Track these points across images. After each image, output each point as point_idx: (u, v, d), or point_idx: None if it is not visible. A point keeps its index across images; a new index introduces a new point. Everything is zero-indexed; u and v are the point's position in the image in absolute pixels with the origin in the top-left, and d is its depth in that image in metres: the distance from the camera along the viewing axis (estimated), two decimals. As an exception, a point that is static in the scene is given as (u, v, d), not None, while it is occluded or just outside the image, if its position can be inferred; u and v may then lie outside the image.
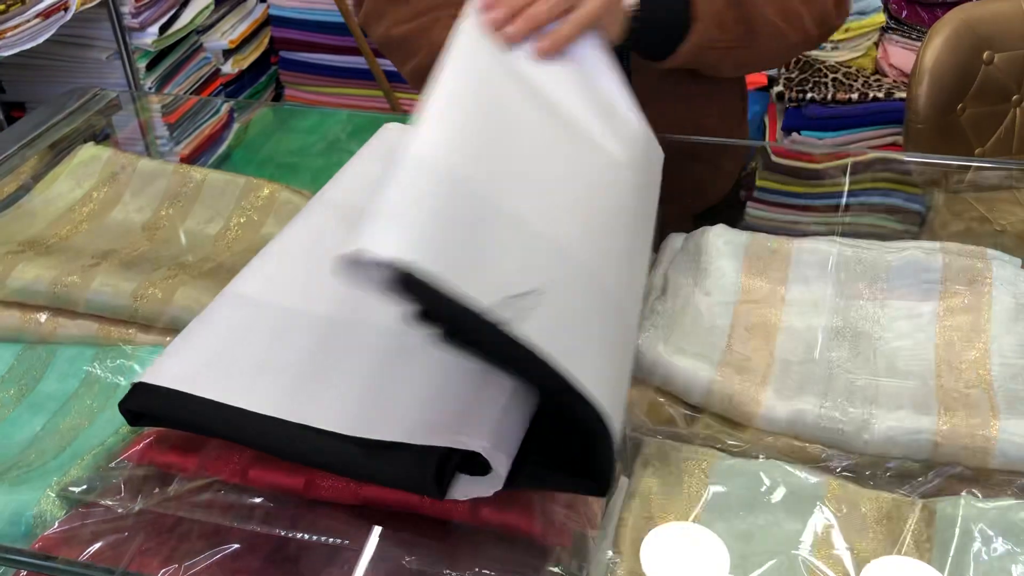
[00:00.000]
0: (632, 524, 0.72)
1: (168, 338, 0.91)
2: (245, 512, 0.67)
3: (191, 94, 2.47)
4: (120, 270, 0.94)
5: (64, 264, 0.94)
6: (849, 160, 2.41)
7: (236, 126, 2.56)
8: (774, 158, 2.30)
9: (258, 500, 0.68)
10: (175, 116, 2.29)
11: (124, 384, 0.85)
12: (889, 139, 2.39)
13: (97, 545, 0.67)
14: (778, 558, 0.69)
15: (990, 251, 0.87)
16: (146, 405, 0.67)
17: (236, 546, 0.66)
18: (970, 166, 1.53)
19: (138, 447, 0.73)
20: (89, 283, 0.91)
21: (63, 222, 1.04)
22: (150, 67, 2.29)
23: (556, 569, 0.62)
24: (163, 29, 2.26)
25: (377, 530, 0.65)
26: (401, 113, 2.33)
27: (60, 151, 1.16)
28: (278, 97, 2.93)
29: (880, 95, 2.37)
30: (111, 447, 0.77)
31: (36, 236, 1.01)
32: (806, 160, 2.30)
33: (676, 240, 0.97)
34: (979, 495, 0.71)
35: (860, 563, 0.69)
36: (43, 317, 0.93)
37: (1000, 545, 0.67)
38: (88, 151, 1.10)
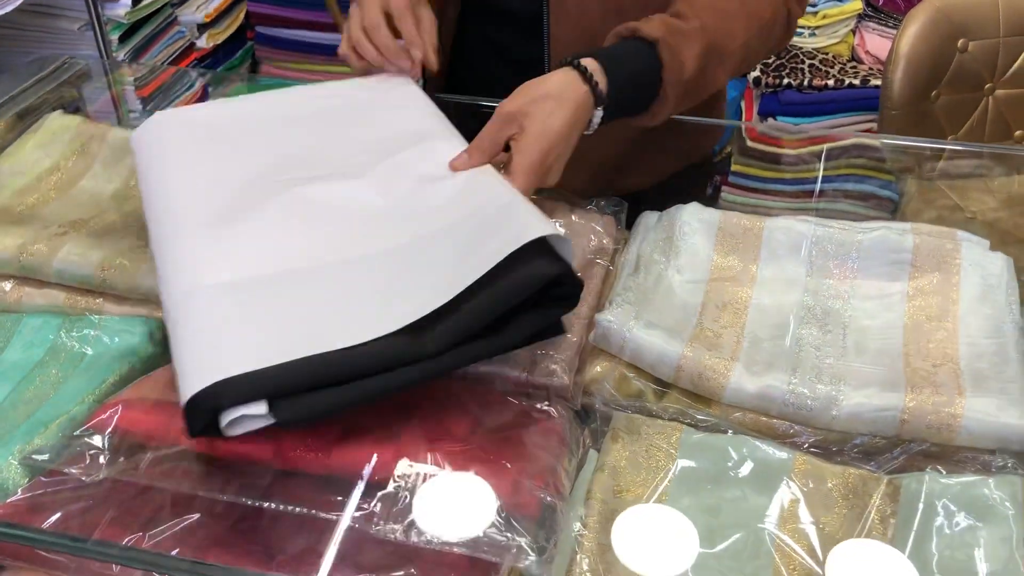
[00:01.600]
0: (601, 497, 0.72)
1: (138, 309, 0.90)
2: (211, 481, 0.67)
3: (163, 69, 2.43)
4: (88, 239, 0.92)
5: (31, 233, 0.92)
6: (824, 146, 2.43)
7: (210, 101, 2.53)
8: (749, 143, 2.31)
9: (224, 469, 0.67)
10: (148, 89, 2.26)
11: (91, 353, 0.84)
12: (864, 126, 2.41)
13: (60, 513, 0.66)
14: (744, 532, 0.70)
15: (960, 232, 0.88)
16: (218, 404, 0.65)
17: (200, 515, 0.65)
18: (943, 151, 1.54)
19: (103, 416, 0.72)
20: (56, 252, 0.90)
21: (30, 191, 1.03)
22: (123, 39, 2.25)
23: (523, 540, 0.62)
24: (136, 0, 2.22)
25: (345, 499, 0.65)
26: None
27: (29, 121, 1.14)
28: (254, 73, 2.90)
29: (856, 82, 2.38)
30: (76, 416, 0.76)
31: (3, 205, 0.99)
32: (781, 146, 2.31)
33: (650, 218, 0.97)
34: (943, 471, 0.72)
35: (825, 537, 0.70)
36: (8, 286, 0.91)
37: (962, 520, 0.68)
38: (57, 120, 1.09)
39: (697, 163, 1.28)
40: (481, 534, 0.63)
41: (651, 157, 1.17)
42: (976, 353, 0.79)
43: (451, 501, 0.66)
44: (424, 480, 0.66)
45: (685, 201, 0.95)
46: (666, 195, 0.99)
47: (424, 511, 0.65)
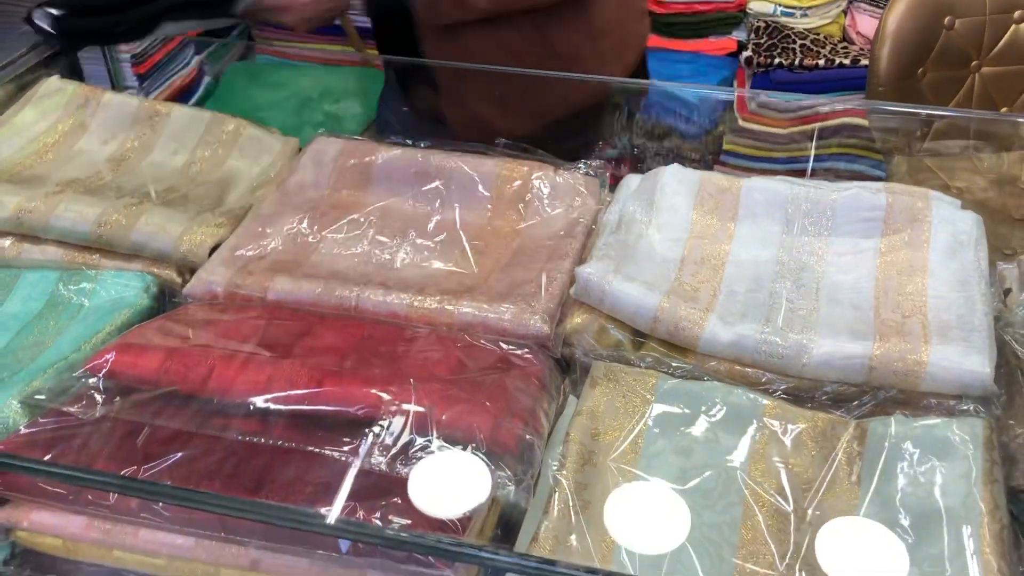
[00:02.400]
0: (578, 439, 0.74)
1: (132, 263, 0.92)
2: (201, 419, 0.70)
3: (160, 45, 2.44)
4: (84, 197, 0.95)
5: (28, 191, 0.95)
6: (816, 126, 2.45)
7: (207, 80, 2.54)
8: (741, 122, 2.32)
9: (214, 408, 0.70)
10: (145, 67, 2.27)
11: (87, 305, 0.87)
12: (853, 105, 2.43)
13: (58, 449, 0.69)
14: (715, 471, 0.73)
15: (932, 192, 0.90)
16: None
17: (191, 451, 0.68)
18: (931, 124, 1.57)
19: (99, 360, 0.75)
20: (52, 209, 0.93)
21: (27, 153, 1.05)
22: (119, 17, 2.27)
23: (503, 472, 0.65)
24: (133, -22, 2.23)
25: (332, 435, 0.68)
26: (371, 67, 2.32)
27: (23, 87, 1.16)
28: (249, 50, 2.91)
29: (846, 62, 2.40)
30: (73, 362, 0.79)
31: (1, 167, 1.02)
32: (773, 125, 2.33)
33: (632, 180, 0.99)
34: (909, 416, 0.75)
35: (794, 477, 0.72)
36: (7, 242, 0.94)
37: (925, 459, 0.71)
38: (53, 83, 1.11)
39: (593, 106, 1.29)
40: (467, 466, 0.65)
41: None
42: (944, 305, 0.81)
43: (439, 449, 0.68)
44: (409, 418, 0.69)
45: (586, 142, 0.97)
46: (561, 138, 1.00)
47: (412, 447, 0.67)
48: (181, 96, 2.45)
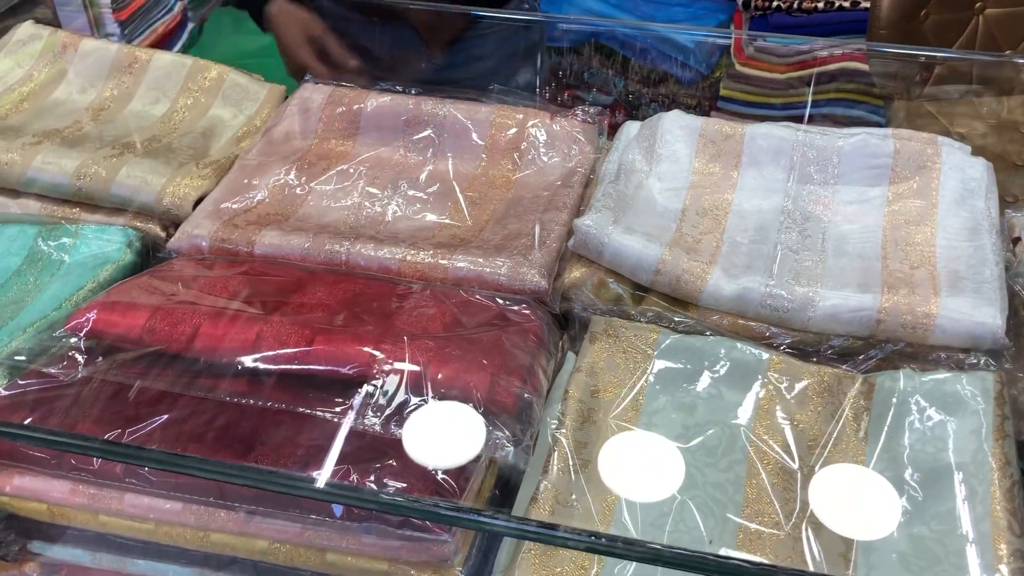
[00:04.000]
0: (578, 396, 0.72)
1: (114, 218, 0.89)
2: (187, 380, 0.67)
3: (141, -7, 2.37)
4: (62, 148, 0.91)
5: (3, 143, 0.91)
6: (814, 71, 2.39)
7: (191, 26, 2.48)
8: (738, 67, 2.28)
9: (201, 368, 0.68)
10: (126, 12, 2.21)
11: (68, 261, 0.84)
12: (853, 48, 2.38)
13: (39, 412, 0.67)
14: (719, 428, 0.71)
15: (941, 138, 0.87)
16: None
17: (177, 412, 0.66)
18: (933, 66, 1.53)
19: (80, 319, 0.72)
20: (30, 161, 0.89)
21: (2, 103, 1.01)
22: (98, -40, 2.20)
23: (501, 432, 0.63)
24: (111, -81, 2.16)
25: (324, 395, 0.66)
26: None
27: (-2, 33, 1.11)
28: (233, -3, 2.83)
29: (846, 4, 2.34)
30: (54, 320, 0.76)
31: (-26, 116, 0.98)
32: (771, 70, 2.28)
33: (632, 127, 0.96)
34: (918, 371, 0.73)
35: (799, 433, 0.70)
36: (-17, 196, 0.91)
37: (934, 414, 0.69)
38: (27, 29, 1.06)
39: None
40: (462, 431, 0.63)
41: None
42: (953, 255, 0.79)
43: (434, 406, 0.66)
44: (404, 377, 0.66)
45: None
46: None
47: (407, 407, 0.65)
48: (164, 43, 2.39)
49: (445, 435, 0.63)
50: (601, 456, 0.65)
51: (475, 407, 0.64)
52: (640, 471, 0.65)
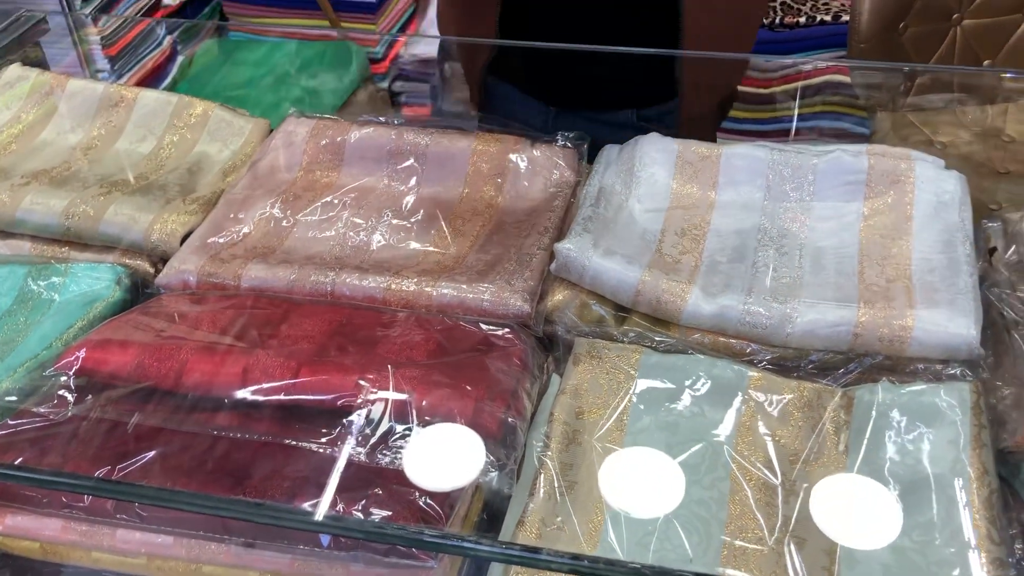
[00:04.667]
0: (563, 419, 0.73)
1: (103, 255, 0.90)
2: (176, 415, 0.68)
3: (130, 27, 2.40)
4: (51, 189, 0.93)
5: (-7, 185, 0.93)
6: (799, 84, 2.41)
7: (180, 59, 2.50)
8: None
9: (189, 403, 0.69)
10: (116, 48, 2.23)
11: (58, 300, 0.85)
12: (835, 59, 2.40)
13: (31, 451, 0.67)
14: (702, 445, 0.72)
15: (914, 152, 0.89)
16: None
17: (167, 448, 0.67)
18: (914, 79, 1.55)
19: (70, 357, 0.73)
20: (19, 202, 0.90)
21: (-8, 144, 1.02)
22: (86, -4, 2.22)
23: (486, 457, 0.64)
24: (98, -44, 2.19)
25: (310, 427, 0.67)
26: (347, 40, 2.28)
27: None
28: (221, 30, 2.86)
29: (827, 18, 2.37)
30: (44, 360, 0.77)
31: (-37, 159, 1.00)
32: (756, 86, 2.30)
33: (612, 151, 0.97)
34: (896, 383, 0.74)
35: (781, 448, 0.71)
36: (-28, 238, 0.92)
37: (913, 426, 0.70)
38: (14, 71, 1.08)
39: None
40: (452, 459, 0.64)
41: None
42: (928, 268, 0.80)
43: (421, 430, 0.67)
44: (388, 405, 0.67)
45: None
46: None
47: (393, 435, 0.66)
48: (154, 77, 2.41)
49: (444, 458, 0.64)
50: (601, 473, 0.66)
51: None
52: (640, 487, 0.66)
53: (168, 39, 2.51)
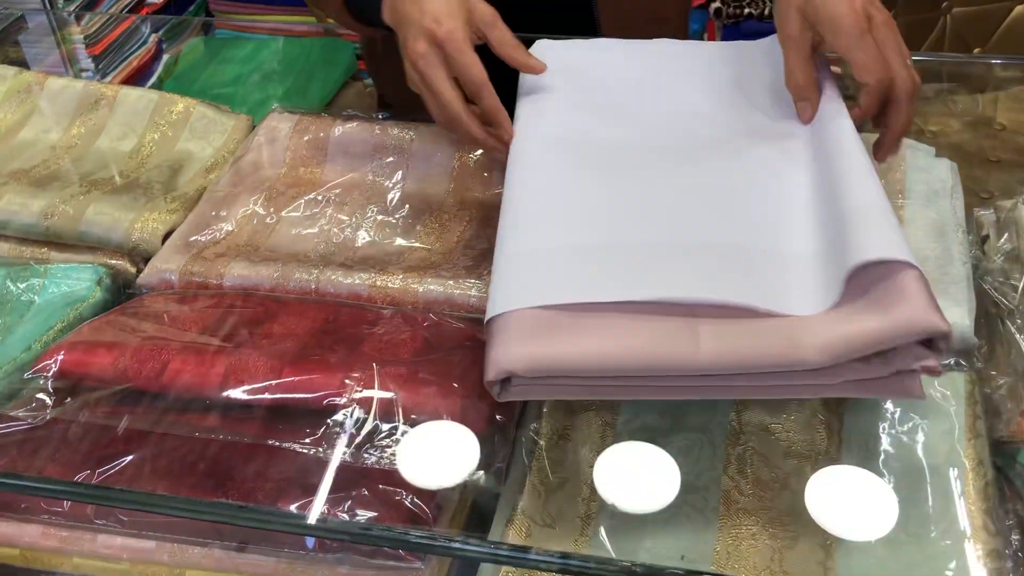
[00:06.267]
0: (552, 415, 0.72)
1: (83, 255, 0.89)
2: (157, 417, 0.67)
3: (114, 25, 2.38)
4: (30, 188, 0.91)
5: (-30, 185, 0.91)
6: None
7: (166, 57, 2.48)
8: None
9: (170, 405, 0.67)
10: (100, 47, 2.21)
11: (38, 302, 0.84)
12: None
13: (8, 457, 0.66)
14: (695, 436, 0.71)
15: (906, 140, 0.88)
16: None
17: (148, 451, 0.65)
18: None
19: (48, 360, 0.71)
20: (-3, 203, 0.89)
21: (-31, 144, 1.01)
22: (70, -7, 2.20)
23: (474, 455, 0.63)
24: (82, -47, 2.17)
25: (295, 427, 0.65)
26: (334, 36, 2.26)
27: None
28: (207, 27, 2.84)
29: (816, 8, 2.36)
30: (23, 363, 0.75)
31: (-60, 159, 0.98)
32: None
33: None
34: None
35: (774, 441, 0.70)
36: (-50, 239, 0.90)
37: (907, 417, 0.70)
38: (-8, 70, 1.06)
39: None
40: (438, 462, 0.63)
41: None
42: (921, 257, 0.79)
43: (409, 429, 0.66)
44: (374, 404, 0.66)
45: None
46: None
47: (379, 435, 0.65)
48: (140, 75, 2.38)
49: (432, 457, 0.63)
50: (593, 469, 0.65)
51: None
52: (632, 483, 0.65)
53: (153, 37, 2.49)
